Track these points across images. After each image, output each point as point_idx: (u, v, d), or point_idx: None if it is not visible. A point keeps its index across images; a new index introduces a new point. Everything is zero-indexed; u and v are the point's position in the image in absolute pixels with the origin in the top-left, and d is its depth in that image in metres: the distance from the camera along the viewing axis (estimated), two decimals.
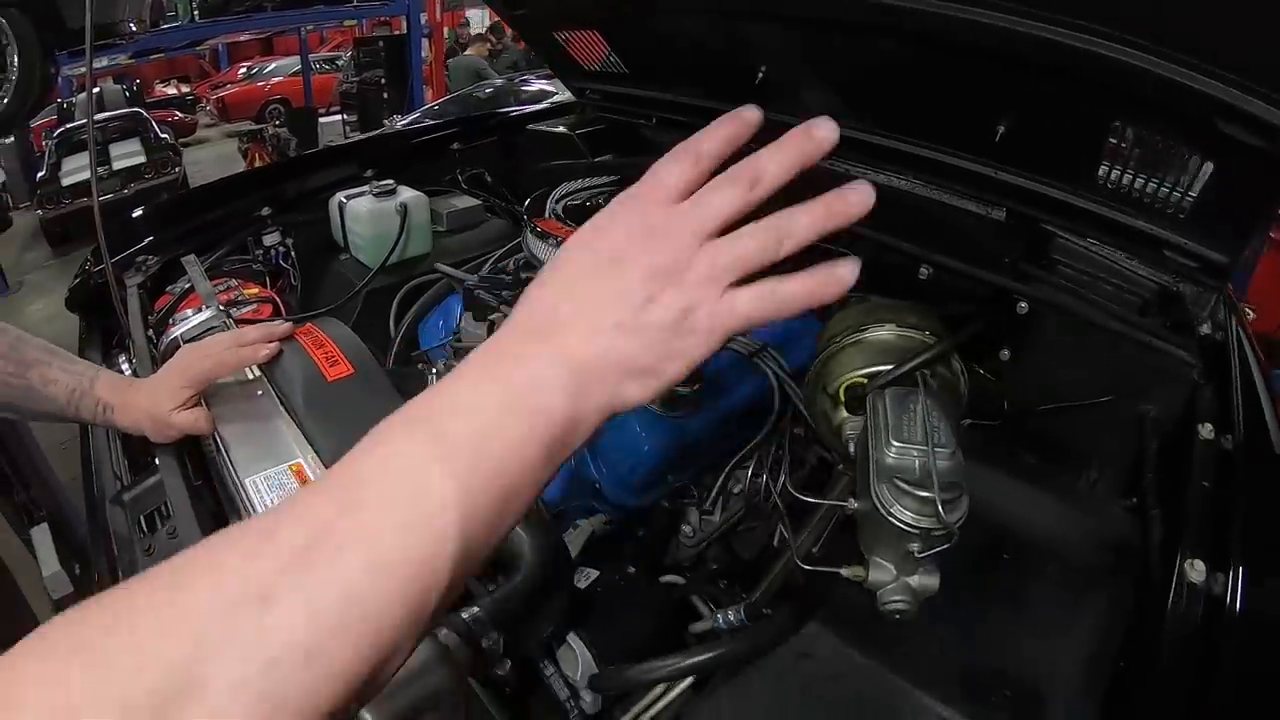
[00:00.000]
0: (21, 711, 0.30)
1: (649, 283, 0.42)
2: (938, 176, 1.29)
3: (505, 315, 1.09)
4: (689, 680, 0.88)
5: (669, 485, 1.06)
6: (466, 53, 8.14)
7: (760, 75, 1.39)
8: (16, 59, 2.24)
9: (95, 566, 0.98)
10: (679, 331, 0.42)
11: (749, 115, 0.45)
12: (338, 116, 9.25)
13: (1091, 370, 1.11)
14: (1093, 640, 0.83)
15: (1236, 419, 0.92)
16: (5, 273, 6.08)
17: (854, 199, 0.44)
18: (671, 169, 0.44)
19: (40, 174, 7.20)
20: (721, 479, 1.10)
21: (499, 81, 6.53)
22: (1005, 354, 1.18)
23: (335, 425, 0.91)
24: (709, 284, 0.42)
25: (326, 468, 0.80)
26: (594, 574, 0.93)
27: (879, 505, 0.74)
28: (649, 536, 1.07)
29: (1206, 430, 0.93)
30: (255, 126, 10.24)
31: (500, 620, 0.73)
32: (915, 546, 0.74)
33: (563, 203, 1.31)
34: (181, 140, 9.87)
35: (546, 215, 1.27)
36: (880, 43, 1.15)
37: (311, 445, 0.89)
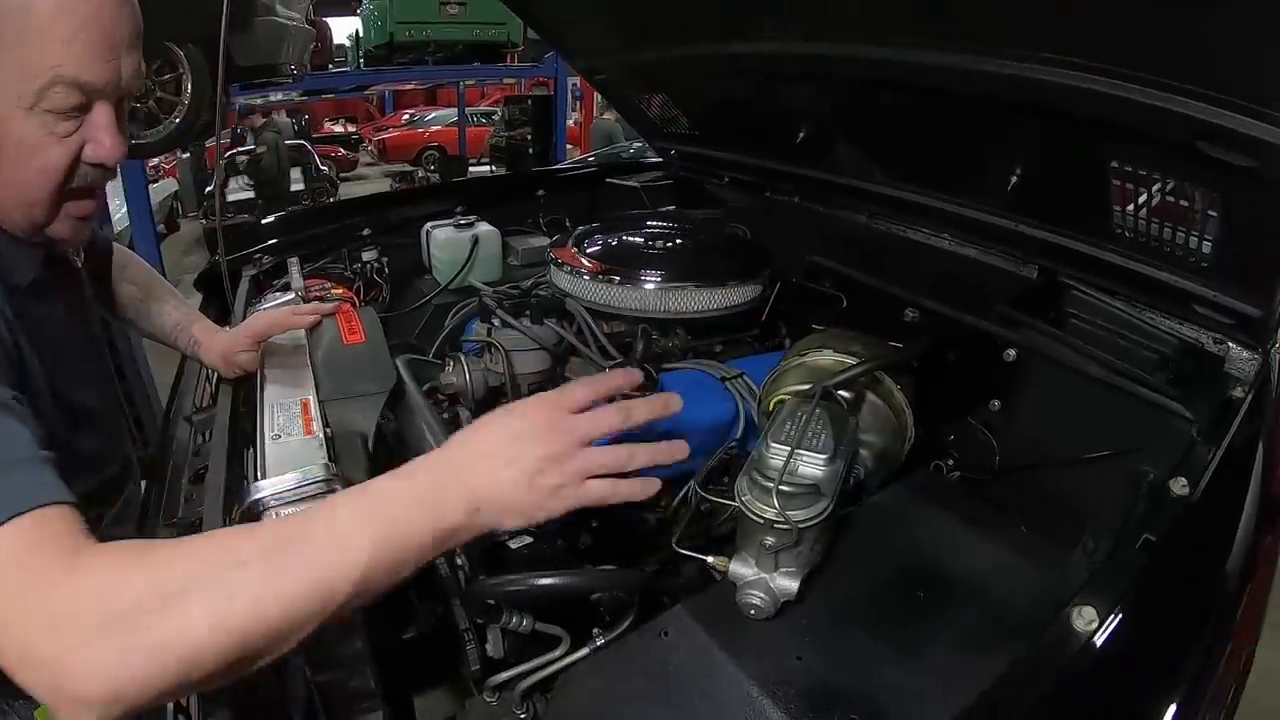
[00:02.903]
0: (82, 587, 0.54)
1: (541, 461, 0.66)
2: (966, 232, 1.30)
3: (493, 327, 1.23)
4: (568, 651, 0.94)
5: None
6: (604, 116, 8.59)
7: (800, 135, 1.49)
8: (190, 86, 2.81)
9: (155, 457, 1.27)
10: (549, 496, 0.67)
11: (632, 377, 0.77)
12: (487, 167, 9.71)
13: (1085, 424, 1.06)
14: (970, 688, 0.79)
15: (1206, 473, 0.85)
16: (166, 271, 7.20)
17: (677, 453, 0.73)
18: (581, 392, 0.71)
19: (209, 189, 8.29)
20: (683, 492, 1.15)
21: (630, 145, 6.87)
22: (995, 405, 1.15)
23: (335, 373, 1.12)
24: (577, 474, 0.67)
25: (321, 403, 1.06)
26: (527, 540, 1.03)
27: (737, 494, 0.79)
28: (602, 528, 1.14)
29: (1179, 485, 0.87)
30: (410, 168, 11.03)
31: None
32: (768, 541, 0.78)
33: (583, 241, 1.47)
34: (341, 174, 10.81)
35: (568, 247, 1.44)
36: (897, 98, 1.21)
37: (317, 387, 1.08)
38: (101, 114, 0.77)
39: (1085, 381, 1.04)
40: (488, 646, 1.02)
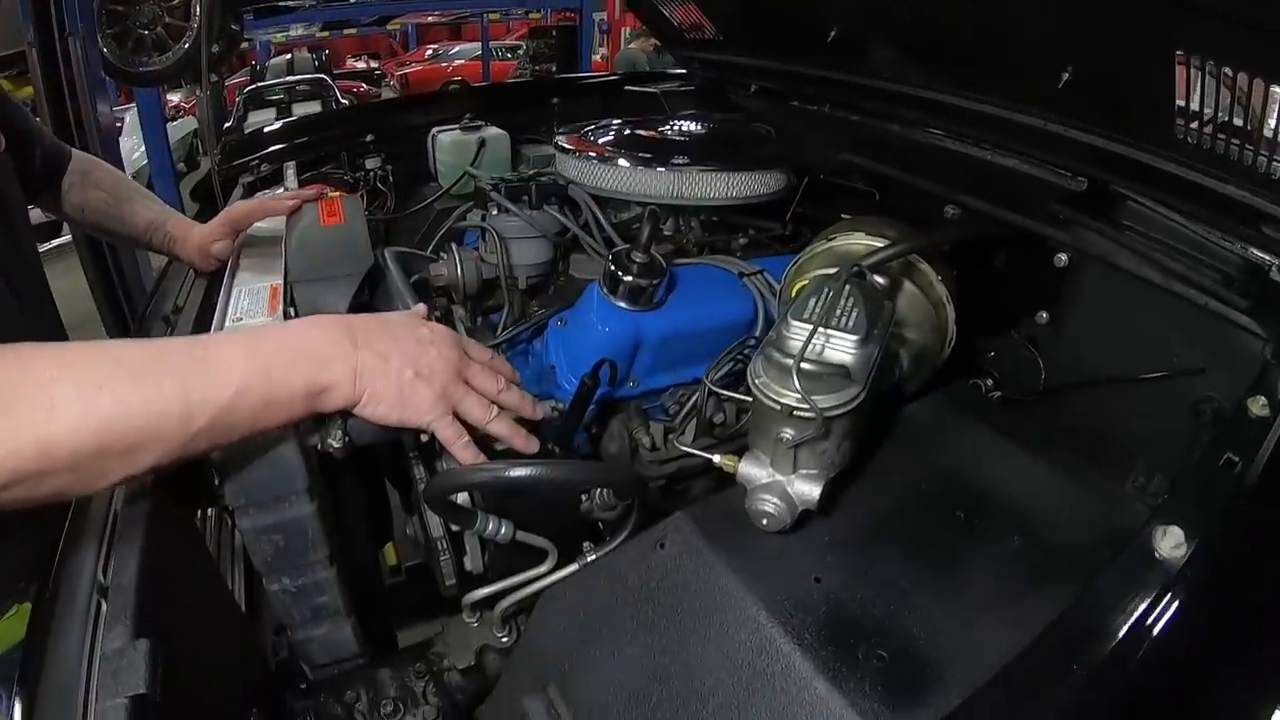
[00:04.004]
0: None
1: (430, 370, 0.69)
2: (1009, 138, 1.14)
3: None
4: (555, 568, 0.84)
5: (632, 387, 1.01)
6: (630, 46, 8.31)
7: (832, 35, 1.33)
8: (199, 10, 2.71)
9: None
10: (419, 402, 0.69)
11: (528, 405, 0.79)
12: None
13: (1142, 341, 0.92)
14: (1016, 625, 0.67)
15: None
16: (185, 210, 7.27)
17: (528, 444, 0.76)
18: (482, 351, 0.78)
19: (227, 125, 8.21)
20: (695, 396, 1.03)
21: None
22: (1043, 317, 1.01)
23: (308, 254, 1.04)
24: (449, 399, 0.71)
25: (290, 285, 0.99)
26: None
27: (750, 378, 0.66)
28: (598, 433, 1.03)
29: (1258, 405, 0.73)
30: None
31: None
32: (786, 434, 0.65)
33: (593, 130, 1.34)
34: None
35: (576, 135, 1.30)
36: None
37: (286, 271, 0.98)
38: None
39: (1144, 293, 0.90)
40: (466, 560, 0.92)
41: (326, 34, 9.87)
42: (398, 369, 0.67)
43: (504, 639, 0.94)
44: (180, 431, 0.57)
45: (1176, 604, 0.56)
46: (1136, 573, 0.57)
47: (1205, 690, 0.56)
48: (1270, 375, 0.76)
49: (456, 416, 0.72)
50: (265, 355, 0.62)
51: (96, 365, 0.55)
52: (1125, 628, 0.55)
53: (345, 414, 0.71)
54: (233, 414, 0.59)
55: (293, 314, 0.92)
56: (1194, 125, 0.85)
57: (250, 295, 0.96)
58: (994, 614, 0.68)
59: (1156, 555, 0.58)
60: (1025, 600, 0.70)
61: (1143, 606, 0.55)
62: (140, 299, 3.00)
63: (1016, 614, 0.67)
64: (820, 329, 0.66)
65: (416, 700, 0.95)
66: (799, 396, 0.62)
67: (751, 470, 0.69)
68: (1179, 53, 0.81)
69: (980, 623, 0.67)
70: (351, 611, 0.96)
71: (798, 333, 0.67)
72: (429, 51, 14.58)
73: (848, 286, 0.71)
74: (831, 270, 0.81)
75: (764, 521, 0.68)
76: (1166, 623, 0.55)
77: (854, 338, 0.66)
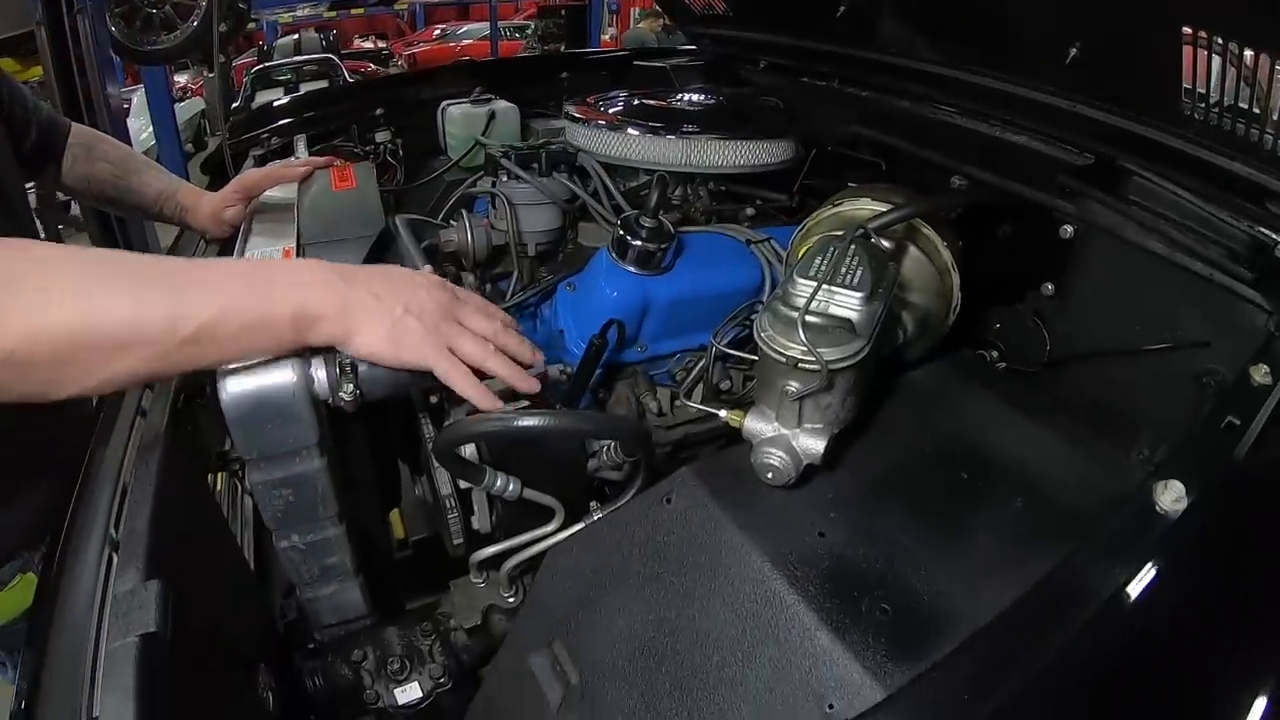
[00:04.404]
0: None
1: (421, 310, 0.70)
2: (1017, 114, 1.14)
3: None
4: (563, 526, 0.85)
5: (639, 351, 1.02)
6: (639, 26, 8.30)
7: (841, 10, 1.33)
8: None
9: None
10: (411, 341, 0.69)
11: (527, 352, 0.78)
12: None
13: (1147, 313, 0.92)
14: (1019, 584, 0.67)
15: None
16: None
17: (530, 385, 0.75)
18: (478, 299, 0.78)
19: (235, 105, 8.28)
20: (702, 362, 1.03)
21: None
22: (1049, 289, 1.01)
23: (319, 217, 1.05)
24: (442, 340, 0.71)
25: (302, 248, 0.99)
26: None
27: (756, 332, 0.67)
28: (605, 399, 1.04)
29: (1261, 373, 0.73)
30: None
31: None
32: (791, 386, 0.66)
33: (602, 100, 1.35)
34: None
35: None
36: None
37: (299, 234, 0.99)
38: None
39: (1149, 265, 0.90)
40: (474, 519, 0.93)
41: (333, 14, 9.83)
42: (388, 306, 0.69)
43: (510, 599, 0.95)
44: (165, 338, 0.58)
45: (1176, 556, 0.57)
46: (1138, 525, 0.58)
47: (1203, 642, 0.57)
48: (1274, 345, 0.76)
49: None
50: (257, 280, 0.65)
51: (96, 264, 0.58)
52: (1125, 578, 0.55)
53: (354, 366, 0.72)
54: (219, 329, 0.61)
55: None
56: (1200, 102, 0.85)
57: (263, 258, 0.97)
58: (997, 573, 0.69)
59: (1158, 509, 0.59)
60: (1028, 561, 0.70)
61: (1143, 558, 0.56)
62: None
63: (1019, 574, 0.67)
64: (825, 285, 0.67)
65: (423, 659, 0.96)
66: (804, 349, 0.63)
67: (757, 425, 0.70)
68: (1185, 29, 0.81)
69: (983, 581, 0.68)
70: (360, 572, 0.97)
71: (803, 289, 0.68)
72: (437, 31, 14.58)
73: (853, 246, 0.71)
74: (838, 233, 0.82)
75: (769, 475, 0.69)
76: (1166, 574, 0.56)
77: (859, 294, 0.67)
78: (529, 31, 11.33)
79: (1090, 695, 0.52)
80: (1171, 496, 0.59)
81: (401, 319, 0.69)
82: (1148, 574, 0.55)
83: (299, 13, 9.31)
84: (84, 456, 0.89)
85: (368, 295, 0.68)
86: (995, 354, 1.08)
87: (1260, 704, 0.51)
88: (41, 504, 1.06)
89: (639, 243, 0.93)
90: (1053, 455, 0.83)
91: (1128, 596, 0.55)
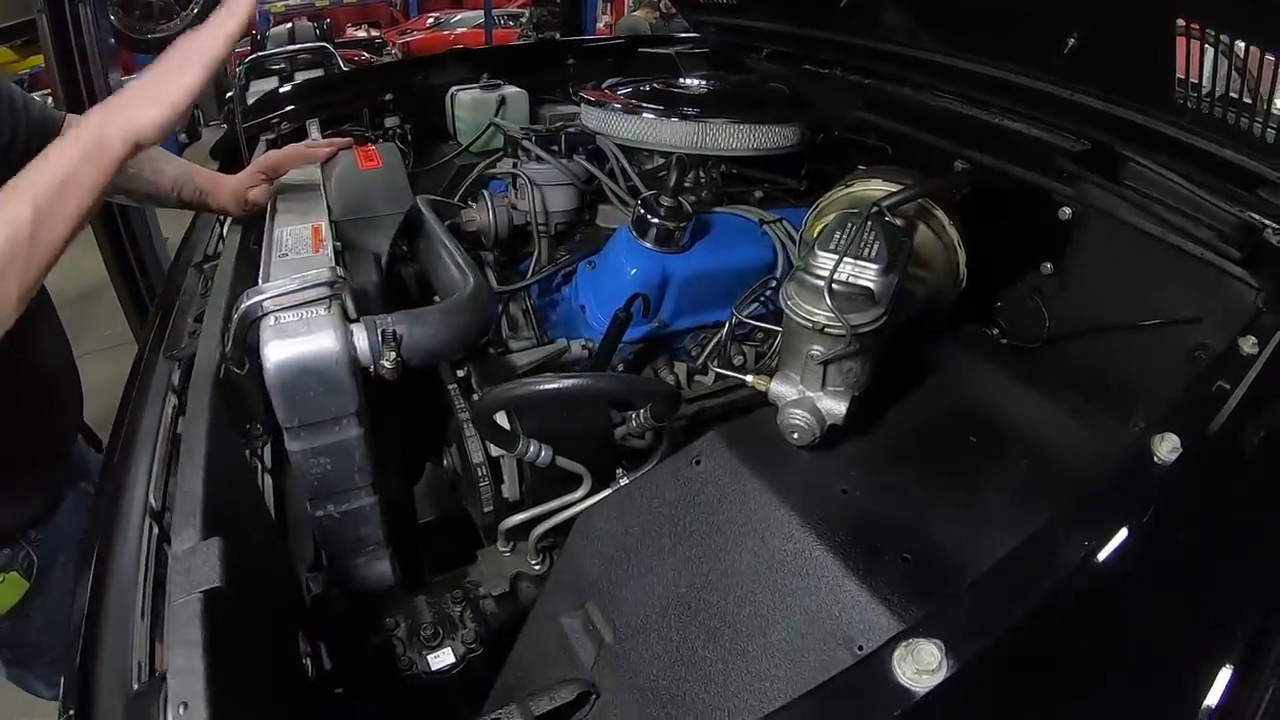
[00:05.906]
0: None
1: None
2: (1017, 102, 1.18)
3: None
4: (590, 494, 0.88)
5: (658, 327, 1.06)
6: (634, 14, 8.26)
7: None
8: None
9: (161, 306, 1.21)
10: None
11: None
12: None
13: (1141, 291, 0.97)
14: (1024, 533, 0.72)
15: (1276, 335, 0.76)
16: None
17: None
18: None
19: (229, 94, 8.27)
20: (717, 338, 1.07)
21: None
22: (1048, 268, 1.06)
23: (349, 195, 1.07)
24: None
25: (334, 230, 0.99)
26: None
27: (783, 300, 0.71)
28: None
29: (1249, 344, 0.78)
30: None
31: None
32: (815, 350, 0.70)
33: (614, 85, 1.38)
34: None
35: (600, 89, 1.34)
36: None
37: (329, 210, 1.01)
38: None
39: (1144, 246, 0.95)
40: (503, 487, 0.97)
41: (326, 3, 9.74)
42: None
43: (537, 566, 0.99)
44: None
45: (1171, 500, 0.62)
46: (1136, 472, 0.63)
47: (1196, 582, 0.62)
48: (1261, 319, 0.81)
49: None
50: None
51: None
52: (1124, 523, 0.59)
53: (396, 334, 0.75)
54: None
55: (339, 247, 0.95)
56: (1193, 91, 0.89)
57: (294, 236, 0.99)
58: (1007, 528, 0.73)
59: (1155, 459, 0.63)
60: (1034, 515, 0.75)
61: (1140, 503, 0.60)
62: (153, 264, 2.98)
63: (1024, 526, 0.73)
64: (845, 258, 0.71)
65: (455, 625, 0.97)
66: (830, 315, 0.67)
67: (782, 388, 0.74)
68: (1179, 21, 0.85)
69: (994, 533, 0.72)
70: (390, 543, 1.00)
71: (825, 261, 0.72)
72: (430, 20, 14.32)
73: (869, 222, 0.75)
74: (854, 211, 0.86)
75: (794, 435, 0.73)
76: (1163, 518, 0.61)
77: (877, 266, 0.71)
78: (524, 19, 11.27)
79: (1094, 620, 0.57)
80: (1168, 447, 0.63)
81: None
82: (1147, 517, 0.60)
83: (291, 1, 9.23)
84: (70, 455, 0.88)
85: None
86: (997, 330, 1.12)
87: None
88: (18, 513, 1.07)
89: (659, 221, 0.97)
90: (1055, 423, 0.88)
91: (1129, 540, 0.59)
